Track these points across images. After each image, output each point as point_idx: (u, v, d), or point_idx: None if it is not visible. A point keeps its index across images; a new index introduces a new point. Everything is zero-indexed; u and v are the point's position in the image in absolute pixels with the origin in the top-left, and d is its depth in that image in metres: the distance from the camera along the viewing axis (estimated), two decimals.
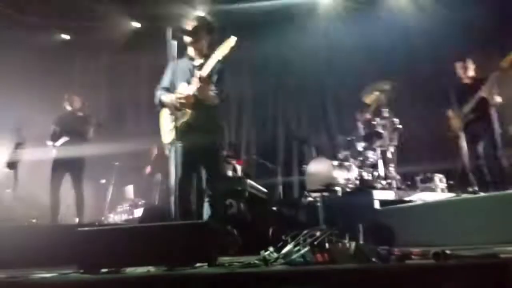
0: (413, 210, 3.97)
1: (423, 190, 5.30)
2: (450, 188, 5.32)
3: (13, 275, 2.08)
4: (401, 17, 7.03)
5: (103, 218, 6.71)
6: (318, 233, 2.02)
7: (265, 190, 5.79)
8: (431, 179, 5.51)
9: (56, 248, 3.12)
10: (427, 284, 1.59)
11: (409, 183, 5.41)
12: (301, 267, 1.86)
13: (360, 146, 5.70)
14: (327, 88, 7.99)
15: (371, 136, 5.58)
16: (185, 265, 2.00)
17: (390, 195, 4.76)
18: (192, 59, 3.36)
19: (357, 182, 5.36)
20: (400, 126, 5.50)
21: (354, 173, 5.42)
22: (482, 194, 3.77)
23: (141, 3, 7.49)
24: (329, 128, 7.80)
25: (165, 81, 3.40)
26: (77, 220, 5.64)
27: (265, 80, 8.17)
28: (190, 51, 3.36)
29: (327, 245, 1.96)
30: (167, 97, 3.27)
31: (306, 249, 1.92)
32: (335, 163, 5.40)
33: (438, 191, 5.31)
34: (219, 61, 3.06)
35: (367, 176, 5.47)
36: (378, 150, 5.59)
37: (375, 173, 5.47)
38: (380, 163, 5.52)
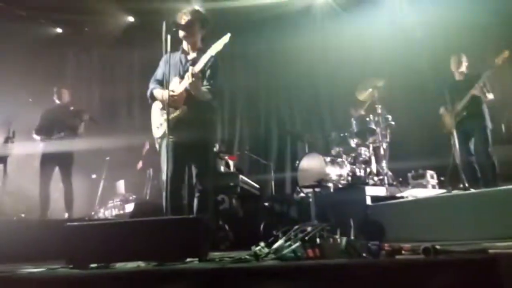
0: (404, 206, 4.00)
1: (414, 186, 5.35)
2: (441, 185, 5.37)
3: (0, 270, 2.05)
4: (394, 13, 7.04)
5: (93, 213, 6.68)
6: (309, 229, 2.01)
7: (257, 185, 5.79)
8: (422, 176, 5.56)
9: (45, 243, 3.09)
10: (417, 279, 1.60)
11: (401, 179, 5.45)
12: (292, 262, 1.86)
13: (353, 142, 5.72)
14: (320, 84, 7.99)
15: (364, 133, 5.60)
16: (176, 260, 1.99)
17: (382, 191, 4.78)
18: (185, 52, 3.33)
19: (350, 178, 5.38)
20: (393, 123, 5.53)
21: (346, 169, 5.44)
22: (472, 190, 3.80)
23: None
24: (322, 124, 7.82)
25: (159, 73, 3.38)
26: (67, 215, 5.59)
27: (258, 76, 8.16)
28: (184, 45, 3.34)
29: (318, 240, 1.95)
30: (158, 92, 3.25)
31: (297, 244, 1.92)
32: (328, 159, 5.41)
33: (429, 188, 5.35)
34: (212, 57, 3.03)
35: (359, 172, 5.49)
36: (371, 147, 5.61)
37: (368, 169, 5.49)
38: (373, 159, 5.55)
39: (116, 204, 6.55)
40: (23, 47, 7.35)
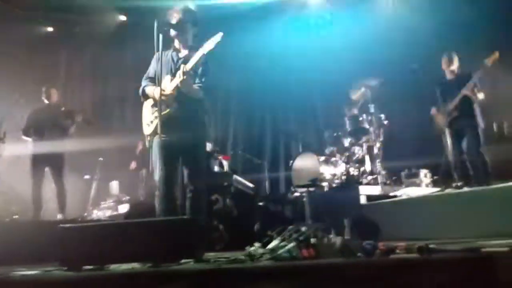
0: (398, 205, 4.02)
1: (408, 185, 5.38)
2: (434, 183, 5.40)
3: None
4: (388, 13, 7.08)
5: (86, 214, 6.63)
6: (304, 229, 2.02)
7: (251, 185, 5.79)
8: (416, 175, 5.59)
9: (38, 244, 3.06)
10: (411, 278, 1.61)
11: (394, 178, 5.47)
12: (287, 262, 1.86)
13: (347, 141, 5.74)
14: (314, 84, 8.00)
15: (358, 132, 5.62)
16: (171, 261, 1.98)
17: (376, 190, 4.81)
18: (177, 50, 3.32)
19: (344, 177, 5.39)
20: (386, 122, 5.55)
21: (340, 168, 5.46)
22: (465, 189, 3.83)
23: None
24: (316, 124, 7.83)
25: (151, 71, 3.37)
26: (60, 216, 5.55)
27: (252, 75, 8.14)
28: (176, 43, 3.32)
29: (313, 240, 1.95)
30: (150, 89, 3.23)
31: (292, 244, 1.92)
32: (322, 158, 5.43)
33: (423, 186, 5.38)
34: (204, 55, 3.02)
35: (353, 171, 5.51)
36: (365, 146, 5.64)
37: (362, 169, 5.51)
38: (367, 159, 5.57)
39: (110, 205, 6.51)
40: (13, 46, 7.27)
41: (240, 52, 7.59)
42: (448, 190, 3.99)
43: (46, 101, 5.75)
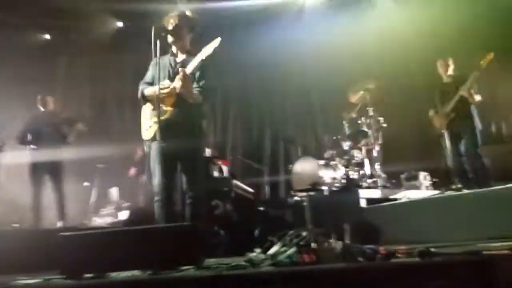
0: (398, 208, 4.02)
1: (408, 188, 5.37)
2: (434, 186, 5.40)
3: None
4: (386, 16, 7.10)
5: (86, 221, 6.60)
6: (304, 233, 2.01)
7: (251, 190, 5.78)
8: (415, 177, 5.58)
9: (38, 253, 3.05)
10: (412, 282, 1.61)
11: (394, 181, 5.47)
12: (288, 268, 1.86)
13: (346, 145, 5.74)
14: (312, 88, 8.02)
15: (357, 135, 5.63)
16: (171, 268, 1.97)
17: (376, 193, 4.80)
18: (174, 55, 3.33)
19: (343, 181, 5.38)
20: (385, 125, 5.56)
21: (340, 172, 5.45)
22: (465, 191, 3.83)
23: (124, 2, 7.38)
24: (315, 128, 7.84)
25: (148, 76, 3.37)
26: (60, 224, 5.53)
27: (251, 79, 8.16)
28: (173, 48, 3.33)
29: (313, 245, 1.95)
30: (149, 90, 3.22)
31: (292, 249, 1.92)
32: (321, 162, 5.42)
33: (423, 189, 5.38)
34: (202, 60, 3.03)
35: (353, 175, 5.51)
36: (364, 149, 5.64)
37: (361, 172, 5.51)
38: (366, 162, 5.57)
39: (110, 212, 6.49)
40: (11, 55, 7.27)
41: (238, 57, 7.61)
42: (448, 193, 3.99)
43: (42, 109, 5.74)
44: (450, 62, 5.09)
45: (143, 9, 6.92)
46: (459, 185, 4.16)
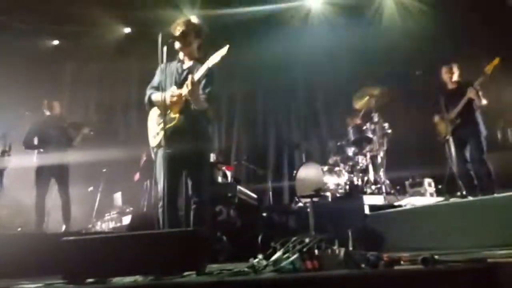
0: (402, 215, 3.99)
1: (412, 194, 5.34)
2: (439, 193, 5.37)
3: None
4: (390, 22, 7.11)
5: (90, 226, 6.62)
6: (307, 240, 2.00)
7: (255, 196, 5.77)
8: (420, 184, 5.56)
9: (41, 257, 3.05)
10: None
11: (398, 187, 5.44)
12: (290, 274, 1.85)
13: (350, 151, 5.73)
14: (317, 93, 8.02)
15: (361, 141, 5.61)
16: (174, 274, 1.97)
17: (380, 200, 4.78)
18: (181, 62, 3.35)
19: (347, 187, 5.37)
20: (390, 131, 5.54)
21: (344, 178, 5.44)
22: (470, 198, 3.80)
23: (132, 9, 7.45)
24: (319, 133, 7.83)
25: (155, 81, 3.38)
26: (64, 228, 5.55)
27: (255, 85, 8.18)
28: (180, 55, 3.35)
29: (316, 251, 1.94)
30: (157, 96, 3.23)
31: (295, 256, 1.90)
32: (325, 168, 5.41)
33: (427, 196, 5.35)
34: (209, 68, 3.04)
35: (357, 181, 5.49)
36: (368, 155, 5.62)
37: (365, 178, 5.49)
38: (370, 168, 5.55)
39: (113, 217, 6.51)
40: (20, 60, 7.35)
41: (244, 62, 7.64)
42: (452, 199, 3.96)
43: (48, 113, 5.79)
44: (455, 68, 5.07)
45: (150, 16, 6.99)
46: (464, 192, 4.12)
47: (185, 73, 3.24)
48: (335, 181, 5.35)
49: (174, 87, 3.16)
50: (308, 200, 4.94)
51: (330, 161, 5.86)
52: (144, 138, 3.45)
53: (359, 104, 5.75)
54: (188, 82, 2.98)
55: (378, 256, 1.90)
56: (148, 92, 3.36)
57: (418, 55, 6.35)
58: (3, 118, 6.39)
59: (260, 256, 2.08)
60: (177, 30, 3.23)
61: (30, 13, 7.26)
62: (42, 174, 5.50)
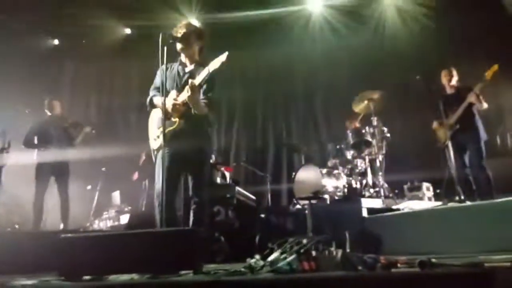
0: (400, 219, 3.99)
1: (410, 198, 5.35)
2: (437, 197, 5.37)
3: None
4: (390, 27, 7.13)
5: (88, 224, 6.61)
6: (304, 241, 2.00)
7: (253, 197, 5.77)
8: (418, 188, 5.56)
9: (38, 254, 3.05)
10: None
11: (397, 191, 5.45)
12: (287, 275, 1.85)
13: (349, 154, 5.73)
14: (316, 96, 8.04)
15: (360, 145, 5.62)
16: (170, 272, 1.97)
17: (378, 203, 4.78)
18: (183, 64, 3.36)
19: (346, 190, 5.37)
20: (389, 135, 5.55)
21: (342, 181, 5.44)
22: (468, 203, 3.80)
23: (132, 10, 7.46)
24: (319, 136, 7.84)
25: (157, 81, 3.39)
26: (62, 226, 5.55)
27: (255, 87, 8.19)
28: (182, 57, 3.36)
29: (313, 253, 1.94)
30: (158, 100, 3.23)
31: (292, 257, 1.90)
32: (324, 171, 5.41)
33: (425, 200, 5.35)
34: (210, 73, 3.05)
35: (355, 184, 5.49)
36: (367, 159, 5.62)
37: (364, 181, 5.49)
38: (369, 171, 5.55)
39: (111, 216, 6.50)
40: (20, 59, 7.35)
41: (243, 65, 7.65)
42: (450, 204, 3.96)
43: (48, 113, 5.79)
44: (454, 72, 5.08)
45: (151, 17, 7.00)
46: (462, 197, 4.13)
47: (186, 76, 3.25)
48: (334, 183, 5.36)
49: (174, 91, 3.17)
50: (307, 202, 4.95)
51: (329, 163, 5.86)
52: (143, 137, 3.46)
53: (358, 107, 5.76)
54: (188, 86, 2.99)
55: (375, 258, 1.90)
56: (151, 93, 3.38)
57: (417, 60, 6.36)
58: (2, 116, 6.39)
59: (257, 256, 2.08)
60: (179, 32, 3.24)
61: (30, 13, 7.26)
62: (42, 172, 5.51)
